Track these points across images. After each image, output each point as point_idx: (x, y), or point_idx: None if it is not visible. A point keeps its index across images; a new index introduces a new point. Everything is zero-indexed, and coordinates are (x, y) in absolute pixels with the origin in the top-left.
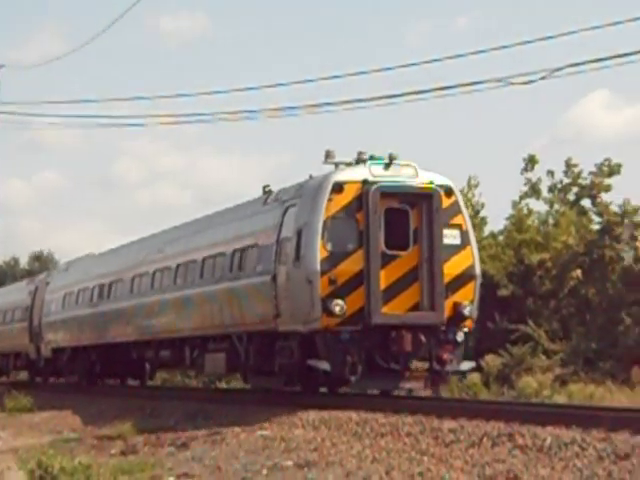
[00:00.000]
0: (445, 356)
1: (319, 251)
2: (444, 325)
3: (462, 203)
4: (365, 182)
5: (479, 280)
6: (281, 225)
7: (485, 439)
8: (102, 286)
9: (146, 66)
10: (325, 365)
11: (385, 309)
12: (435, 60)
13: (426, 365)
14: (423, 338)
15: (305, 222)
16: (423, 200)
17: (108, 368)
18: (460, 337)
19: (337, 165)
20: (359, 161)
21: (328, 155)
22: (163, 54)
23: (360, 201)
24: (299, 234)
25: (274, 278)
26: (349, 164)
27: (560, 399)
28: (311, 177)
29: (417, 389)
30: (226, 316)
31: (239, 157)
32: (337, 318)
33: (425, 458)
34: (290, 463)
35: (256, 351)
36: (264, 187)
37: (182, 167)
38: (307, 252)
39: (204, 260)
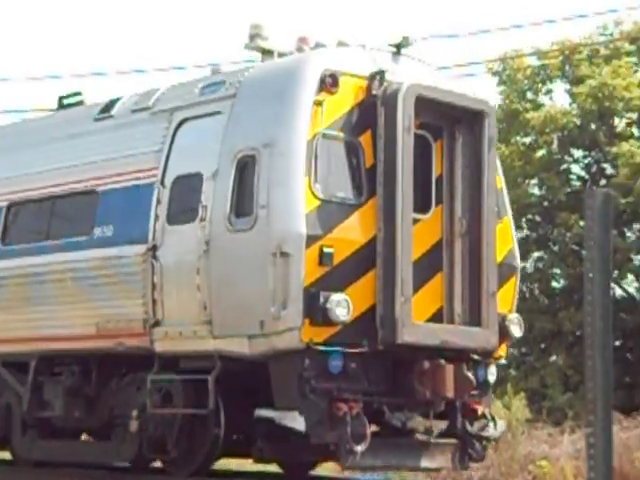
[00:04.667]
0: (479, 409)
1: (304, 197)
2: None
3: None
4: (378, 77)
5: (519, 276)
6: (169, 153)
7: None
8: None
9: None
10: (298, 422)
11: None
12: None
13: (441, 424)
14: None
15: (266, 142)
16: (466, 124)
17: None
18: (493, 374)
19: (265, 52)
20: (317, 46)
21: (256, 33)
22: None
23: (367, 111)
24: (242, 168)
25: (153, 250)
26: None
27: None
28: (216, 71)
29: (445, 468)
30: None
31: None
32: (332, 328)
33: None
34: None
35: (70, 390)
36: (62, 97)
37: None
38: (277, 199)
39: None
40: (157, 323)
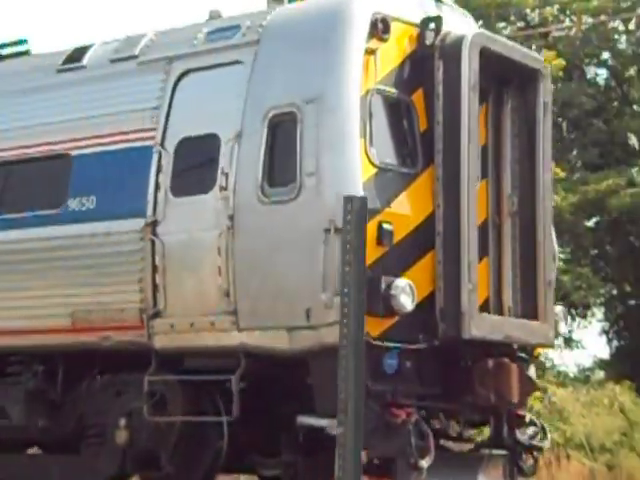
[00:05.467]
0: (526, 415)
1: (360, 162)
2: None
3: None
4: (433, 24)
5: (557, 263)
6: (169, 111)
7: None
8: None
9: None
10: None
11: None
12: None
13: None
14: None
15: (309, 97)
16: (516, 86)
17: None
18: (533, 372)
19: None
20: None
21: None
22: None
23: (418, 65)
24: (275, 127)
25: (153, 226)
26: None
27: None
28: (217, 14)
29: None
30: None
31: None
32: (390, 320)
33: None
34: None
35: (32, 394)
36: (1, 46)
37: None
38: (329, 164)
39: None
40: (158, 314)
